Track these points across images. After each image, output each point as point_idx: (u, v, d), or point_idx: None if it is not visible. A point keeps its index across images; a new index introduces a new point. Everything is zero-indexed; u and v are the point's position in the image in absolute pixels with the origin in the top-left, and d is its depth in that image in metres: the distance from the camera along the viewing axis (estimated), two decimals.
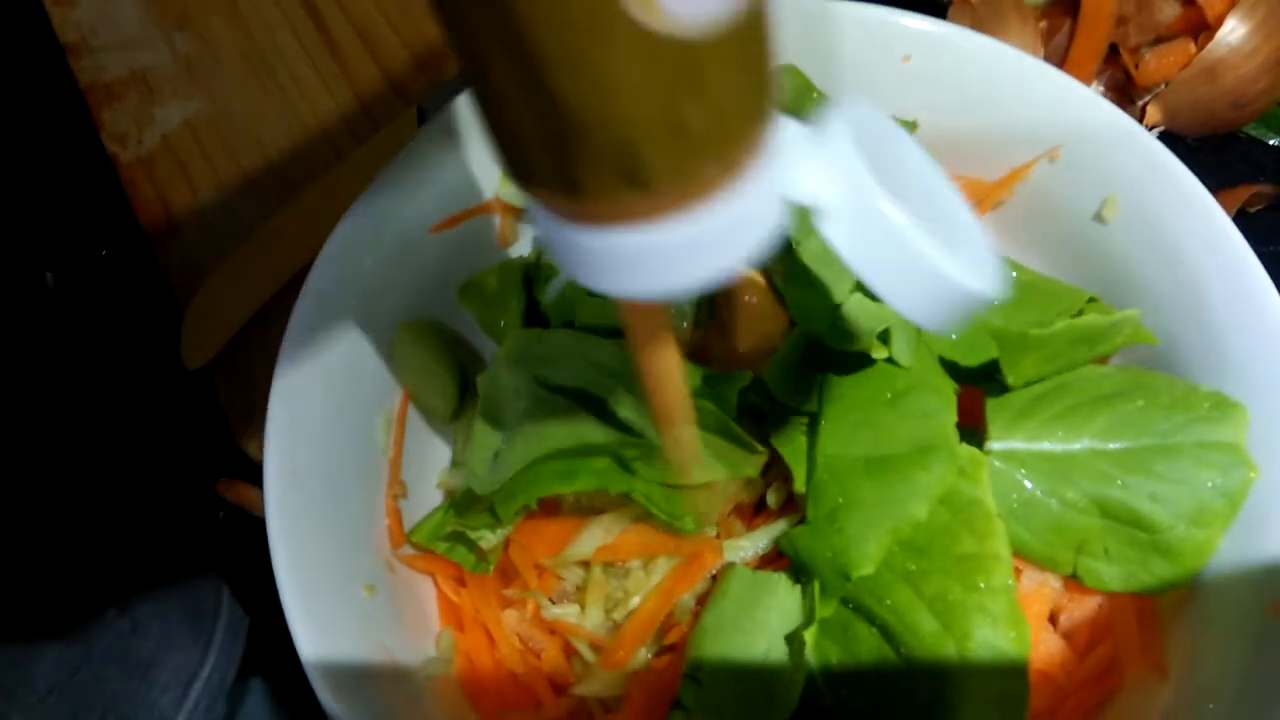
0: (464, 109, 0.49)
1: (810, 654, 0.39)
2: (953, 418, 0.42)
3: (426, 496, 0.48)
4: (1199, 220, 0.45)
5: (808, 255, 0.41)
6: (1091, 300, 0.47)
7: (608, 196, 0.22)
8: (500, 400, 0.43)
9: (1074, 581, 0.43)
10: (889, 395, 0.42)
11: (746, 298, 0.46)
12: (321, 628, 0.38)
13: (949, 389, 0.43)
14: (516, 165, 0.23)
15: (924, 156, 0.28)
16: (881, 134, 0.27)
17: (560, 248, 0.24)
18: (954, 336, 0.44)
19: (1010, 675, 0.38)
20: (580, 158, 0.22)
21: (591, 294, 0.45)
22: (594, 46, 0.20)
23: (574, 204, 0.23)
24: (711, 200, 0.23)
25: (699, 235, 0.23)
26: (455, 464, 0.49)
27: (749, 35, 0.22)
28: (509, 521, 0.42)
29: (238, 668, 0.50)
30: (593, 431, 0.41)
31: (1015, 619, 0.38)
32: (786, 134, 0.25)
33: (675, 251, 0.23)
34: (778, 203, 0.25)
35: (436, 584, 0.45)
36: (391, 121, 0.62)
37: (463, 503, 0.43)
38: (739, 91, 0.22)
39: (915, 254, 0.25)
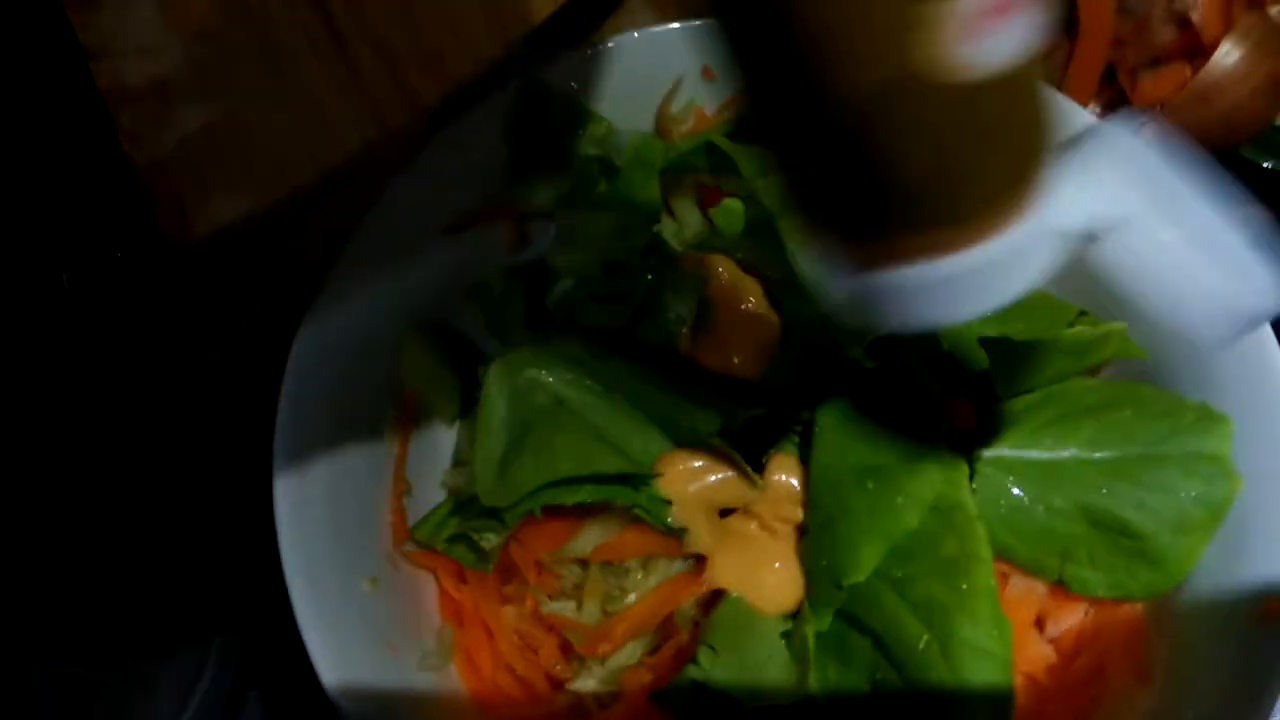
0: (471, 120, 0.50)
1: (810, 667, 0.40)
2: (943, 425, 0.43)
3: (430, 494, 0.49)
4: None
5: (803, 264, 0.42)
6: (1082, 314, 0.48)
7: (906, 239, 0.25)
8: (504, 401, 0.44)
9: (1060, 588, 0.44)
10: (881, 405, 0.44)
11: (742, 305, 0.47)
12: (325, 617, 0.39)
13: (939, 399, 0.44)
14: (820, 220, 0.26)
15: (1190, 179, 0.28)
16: (1146, 158, 0.28)
17: (851, 293, 0.27)
18: (945, 347, 0.46)
19: (994, 673, 0.39)
20: (886, 206, 0.24)
21: (595, 297, 0.47)
22: (898, 101, 0.22)
23: (874, 249, 0.25)
24: (1001, 232, 0.25)
25: (987, 266, 0.25)
26: (457, 463, 0.50)
27: (1029, 75, 0.23)
28: (512, 525, 0.43)
29: (235, 677, 0.50)
30: (602, 457, 0.42)
31: (997, 618, 0.39)
32: (1061, 163, 0.26)
33: (964, 282, 0.25)
34: (1058, 229, 0.26)
35: (438, 580, 0.46)
36: (402, 129, 0.63)
37: (467, 506, 0.44)
38: (1026, 128, 0.24)
39: (1191, 273, 0.26)
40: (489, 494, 0.42)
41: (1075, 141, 0.27)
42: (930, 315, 0.26)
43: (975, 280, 0.25)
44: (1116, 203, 0.26)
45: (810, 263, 0.28)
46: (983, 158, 0.24)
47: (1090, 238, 0.27)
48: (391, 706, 0.39)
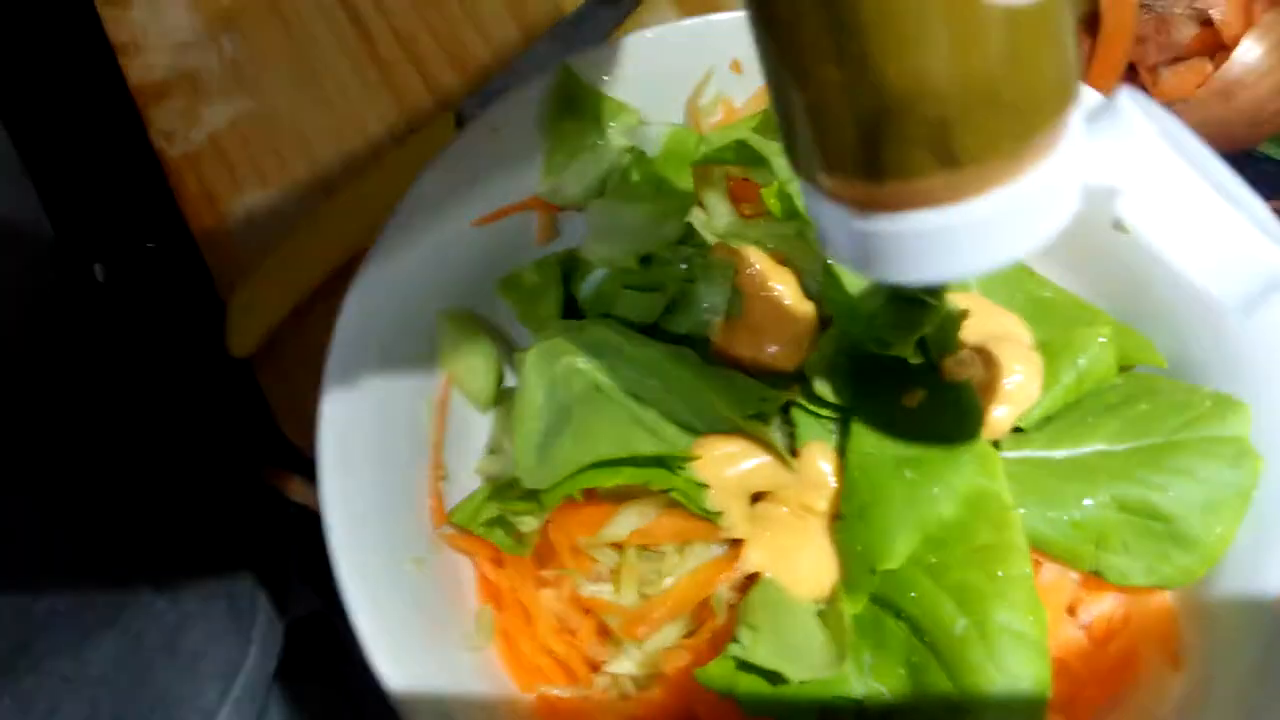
0: (503, 112, 0.50)
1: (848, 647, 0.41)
2: (982, 419, 0.44)
3: (465, 480, 0.49)
4: None
5: (842, 266, 0.43)
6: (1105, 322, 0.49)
7: (914, 177, 0.23)
8: (542, 387, 0.44)
9: (1093, 576, 0.45)
10: (920, 397, 0.44)
11: (775, 296, 0.48)
12: (371, 595, 0.39)
13: (975, 394, 0.45)
14: (820, 158, 0.24)
15: (1196, 140, 0.28)
16: (1166, 123, 0.27)
17: (849, 242, 0.25)
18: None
19: (1031, 658, 0.39)
20: (893, 138, 0.23)
21: (629, 287, 0.47)
22: (920, 21, 0.21)
23: (877, 188, 0.24)
24: (1013, 180, 0.23)
25: (996, 216, 0.23)
26: (492, 450, 0.51)
27: (1059, 5, 0.22)
28: (551, 507, 0.43)
29: (277, 663, 0.51)
30: (640, 439, 0.43)
31: (1033, 604, 0.40)
32: (1080, 120, 0.25)
33: (969, 234, 0.24)
34: (1076, 185, 0.25)
35: (475, 564, 0.47)
36: (429, 125, 0.64)
37: (506, 489, 0.45)
38: (1050, 63, 0.23)
39: (1227, 228, 0.25)
40: (529, 475, 0.42)
41: (1095, 108, 0.26)
42: (938, 269, 0.25)
43: (984, 231, 0.24)
44: (1143, 159, 0.25)
45: (811, 208, 0.26)
46: (1005, 89, 0.22)
47: (1112, 195, 0.26)
48: (436, 684, 0.39)
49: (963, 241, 0.24)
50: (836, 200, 0.25)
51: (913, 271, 0.25)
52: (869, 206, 0.24)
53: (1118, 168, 0.25)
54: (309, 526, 0.45)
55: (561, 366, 0.45)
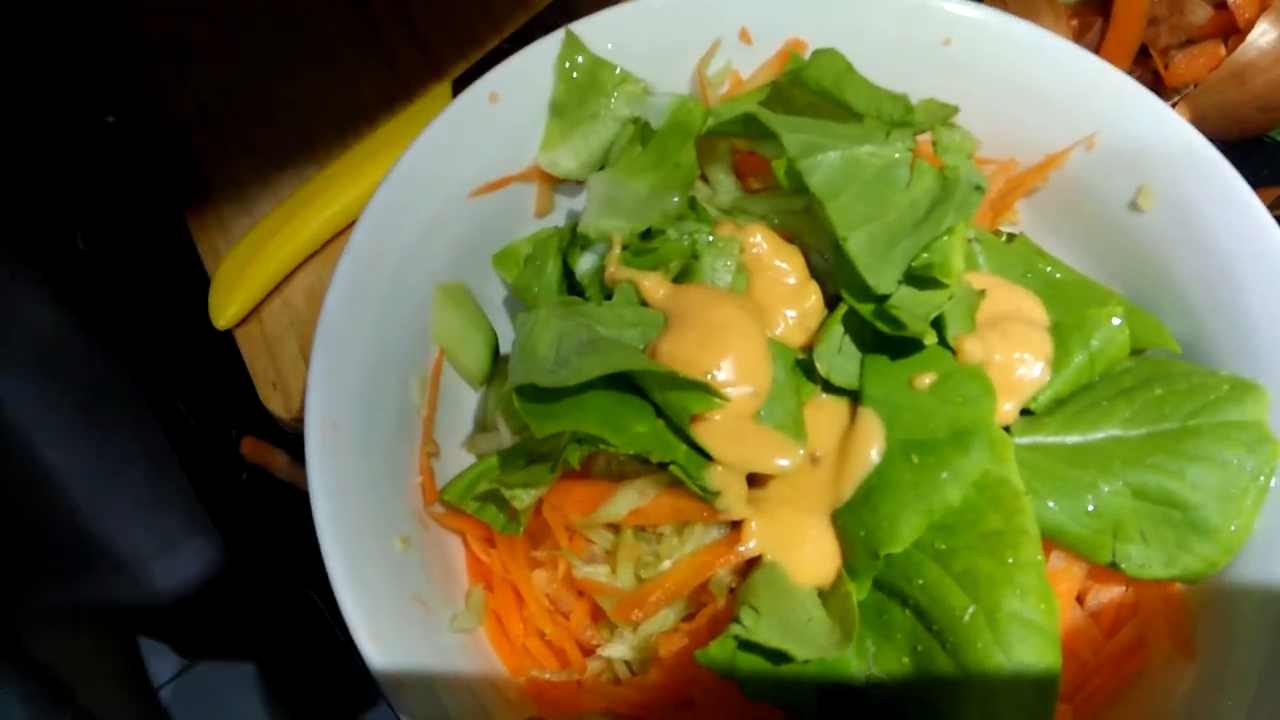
0: (502, 77, 0.49)
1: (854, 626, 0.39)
2: (994, 404, 0.42)
3: (456, 458, 0.48)
4: (1235, 211, 0.45)
5: (855, 248, 0.41)
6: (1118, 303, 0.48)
7: None
8: (549, 335, 0.42)
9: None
10: (930, 379, 0.43)
11: (781, 274, 0.46)
12: (357, 573, 0.38)
13: (987, 378, 0.43)
14: None
15: None
16: None
17: None
18: None
19: (1041, 646, 0.38)
20: None
21: (630, 263, 0.45)
22: None
23: None
24: None
25: None
26: (481, 428, 0.49)
27: None
28: (545, 431, 0.40)
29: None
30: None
31: (1044, 591, 0.38)
32: None
33: None
34: None
35: (466, 543, 0.45)
36: (424, 93, 0.62)
37: (508, 456, 0.43)
38: None
39: None
40: (546, 379, 0.39)
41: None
42: None
43: None
44: None
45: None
46: None
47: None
48: (422, 666, 0.38)
49: None
50: None
51: None
52: None
53: None
54: (292, 502, 0.44)
55: (572, 323, 0.43)
